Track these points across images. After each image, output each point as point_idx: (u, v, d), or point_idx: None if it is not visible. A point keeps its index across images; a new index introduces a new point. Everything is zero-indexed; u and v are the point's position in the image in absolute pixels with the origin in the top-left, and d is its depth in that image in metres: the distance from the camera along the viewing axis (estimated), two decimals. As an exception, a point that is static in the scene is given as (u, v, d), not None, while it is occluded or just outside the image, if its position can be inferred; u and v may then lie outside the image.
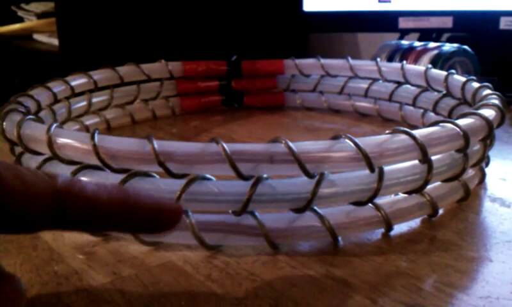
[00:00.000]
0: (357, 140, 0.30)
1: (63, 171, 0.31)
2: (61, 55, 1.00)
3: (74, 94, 0.57)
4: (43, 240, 0.33)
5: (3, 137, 0.39)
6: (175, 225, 0.22)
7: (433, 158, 0.33)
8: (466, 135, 0.33)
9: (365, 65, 0.65)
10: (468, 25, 0.82)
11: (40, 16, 1.36)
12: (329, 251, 0.31)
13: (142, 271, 0.29)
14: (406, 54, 0.70)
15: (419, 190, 0.33)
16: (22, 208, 0.18)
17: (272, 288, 0.27)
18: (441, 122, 0.34)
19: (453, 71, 0.54)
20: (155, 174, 0.31)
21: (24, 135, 0.36)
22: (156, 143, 0.29)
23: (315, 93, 0.69)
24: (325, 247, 0.31)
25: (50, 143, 0.33)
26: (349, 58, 0.65)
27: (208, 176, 0.30)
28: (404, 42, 0.74)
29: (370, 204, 0.32)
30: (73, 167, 0.32)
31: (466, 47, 0.68)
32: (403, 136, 0.31)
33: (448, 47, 0.68)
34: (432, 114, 0.56)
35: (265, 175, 0.30)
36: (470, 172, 0.38)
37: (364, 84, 0.64)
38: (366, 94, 0.64)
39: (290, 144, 0.29)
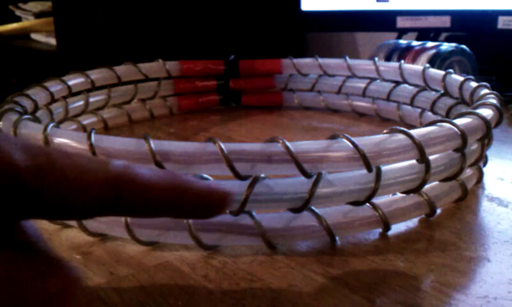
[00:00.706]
0: (354, 140, 0.30)
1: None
2: (58, 54, 1.00)
3: (71, 93, 0.56)
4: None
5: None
6: (224, 210, 0.22)
7: (431, 157, 0.33)
8: (464, 134, 0.33)
9: (362, 65, 0.64)
10: (466, 25, 0.82)
11: (38, 15, 1.36)
12: (326, 250, 0.31)
13: (139, 271, 0.29)
14: (404, 53, 0.70)
15: (417, 189, 0.33)
16: (79, 195, 0.18)
17: (269, 288, 0.27)
18: (439, 122, 0.34)
19: (451, 70, 0.54)
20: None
21: (20, 134, 0.35)
22: (153, 143, 0.29)
23: (313, 92, 0.69)
24: (323, 247, 0.31)
25: (47, 143, 0.33)
26: (347, 57, 0.65)
27: (205, 176, 0.30)
28: (402, 41, 0.74)
29: (367, 204, 0.32)
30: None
31: (464, 46, 0.68)
32: (401, 136, 0.31)
33: (446, 46, 0.68)
34: (430, 113, 0.56)
35: (262, 175, 0.30)
36: (468, 171, 0.38)
37: (362, 84, 0.64)
38: (364, 93, 0.64)
39: (288, 143, 0.29)
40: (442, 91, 0.54)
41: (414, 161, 0.32)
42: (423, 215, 0.35)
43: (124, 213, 0.20)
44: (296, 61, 0.68)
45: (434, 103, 0.55)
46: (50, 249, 0.19)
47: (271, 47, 1.02)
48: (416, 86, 0.59)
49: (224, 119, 0.67)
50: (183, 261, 0.30)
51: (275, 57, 0.70)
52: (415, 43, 0.72)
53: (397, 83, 0.61)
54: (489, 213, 0.36)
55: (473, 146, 0.37)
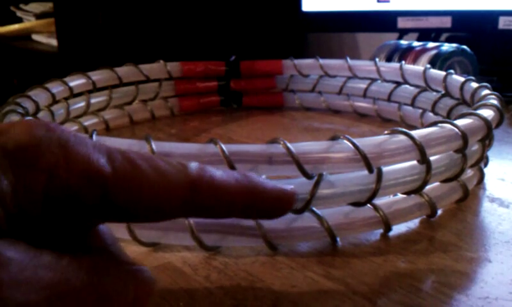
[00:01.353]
0: (355, 140, 0.30)
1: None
2: (59, 55, 1.00)
3: (73, 94, 0.57)
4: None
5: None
6: (289, 211, 0.22)
7: (432, 158, 0.33)
8: (464, 135, 0.33)
9: (363, 65, 0.65)
10: (467, 25, 0.82)
11: (39, 16, 1.36)
12: (328, 251, 0.31)
13: (140, 272, 0.29)
14: (405, 54, 0.70)
15: (418, 190, 0.33)
16: (159, 198, 0.18)
17: (271, 289, 0.27)
18: (440, 122, 0.34)
19: (452, 71, 0.54)
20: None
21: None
22: (154, 144, 0.29)
23: (313, 93, 0.69)
24: (324, 248, 0.31)
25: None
26: (348, 58, 0.65)
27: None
28: (403, 42, 0.74)
29: (368, 205, 0.32)
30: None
31: (465, 46, 0.68)
32: (402, 137, 0.31)
33: (447, 46, 0.68)
34: (431, 114, 0.56)
35: (263, 176, 0.30)
36: (469, 172, 0.38)
37: (363, 84, 0.64)
38: (365, 94, 0.64)
39: (289, 145, 0.29)
40: (443, 92, 0.54)
41: (415, 162, 0.32)
42: (424, 216, 0.35)
43: (197, 215, 0.20)
44: (296, 61, 0.68)
45: (435, 103, 0.55)
46: (124, 253, 0.19)
47: (272, 47, 1.02)
48: (417, 86, 0.59)
49: (225, 120, 0.67)
50: (184, 262, 0.30)
51: (276, 57, 0.70)
52: (415, 43, 0.72)
53: (398, 84, 0.61)
54: (490, 214, 0.36)
55: (474, 146, 0.37)
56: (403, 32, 0.89)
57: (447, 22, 0.82)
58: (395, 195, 0.34)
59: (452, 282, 0.28)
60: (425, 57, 0.67)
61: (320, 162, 0.30)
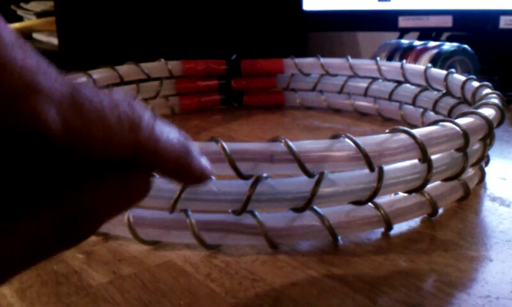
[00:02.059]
0: (357, 139, 0.30)
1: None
2: (60, 54, 1.00)
3: (74, 93, 0.56)
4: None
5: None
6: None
7: (433, 157, 0.33)
8: (466, 134, 0.33)
9: (364, 64, 0.65)
10: (468, 24, 0.82)
11: (40, 15, 1.36)
12: (329, 250, 0.31)
13: (142, 270, 0.29)
14: (406, 53, 0.70)
15: (419, 189, 0.33)
16: (104, 155, 0.18)
17: (271, 288, 0.27)
18: (441, 121, 0.34)
19: (453, 70, 0.54)
20: (154, 174, 0.31)
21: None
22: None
23: (314, 92, 0.69)
24: (325, 247, 0.31)
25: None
26: (349, 57, 0.65)
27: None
28: (404, 41, 0.74)
29: (370, 204, 0.32)
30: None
31: (465, 46, 0.68)
32: (403, 135, 0.31)
33: (448, 46, 0.68)
34: (432, 113, 0.56)
35: (265, 174, 0.30)
36: (470, 171, 0.38)
37: (364, 83, 0.64)
38: (366, 93, 0.64)
39: (290, 143, 0.29)
40: (444, 91, 0.54)
41: (416, 161, 0.32)
42: (425, 215, 0.35)
43: (128, 173, 0.21)
44: (297, 60, 0.68)
45: (436, 102, 0.55)
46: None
47: (273, 46, 1.02)
48: (418, 85, 0.59)
49: (226, 118, 0.67)
50: (186, 261, 0.30)
51: (277, 56, 0.70)
52: (416, 42, 0.72)
53: (399, 83, 0.61)
54: (491, 213, 0.36)
55: (475, 145, 0.37)
56: (404, 32, 0.88)
57: (447, 21, 0.82)
58: (396, 194, 0.34)
59: (453, 281, 0.28)
60: (426, 57, 0.67)
61: (322, 161, 0.30)
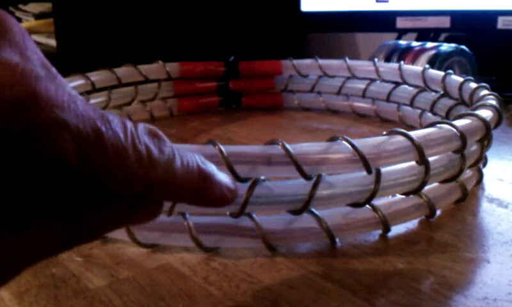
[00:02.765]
0: (354, 141, 0.30)
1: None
2: (58, 56, 1.00)
3: (72, 95, 0.56)
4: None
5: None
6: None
7: (430, 159, 0.33)
8: (463, 136, 0.34)
9: (362, 65, 0.65)
10: (466, 25, 0.82)
11: (38, 17, 1.36)
12: (326, 252, 0.31)
13: (140, 273, 0.29)
14: (404, 54, 0.70)
15: (416, 191, 0.33)
16: (113, 190, 0.18)
17: (269, 290, 0.27)
18: (438, 123, 0.34)
19: (450, 71, 0.54)
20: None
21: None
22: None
23: (312, 93, 0.69)
24: (322, 249, 0.31)
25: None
26: (347, 58, 0.65)
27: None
28: (402, 42, 0.74)
29: (367, 206, 0.32)
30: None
31: (463, 46, 0.68)
32: (400, 137, 0.31)
33: (446, 46, 0.68)
34: (429, 114, 0.56)
35: (262, 177, 0.30)
36: (468, 173, 0.38)
37: (362, 85, 0.64)
38: (364, 94, 0.64)
39: (287, 146, 0.29)
40: (442, 92, 0.54)
41: (413, 162, 0.32)
42: (423, 217, 0.35)
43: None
44: (295, 62, 0.68)
45: (433, 104, 0.55)
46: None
47: (271, 48, 1.02)
48: (416, 86, 0.59)
49: (224, 120, 0.67)
50: (183, 264, 0.30)
51: (275, 58, 0.70)
52: (414, 43, 0.72)
53: (397, 84, 0.61)
54: (489, 214, 0.36)
55: (473, 147, 0.37)
56: (402, 32, 0.89)
57: (445, 21, 0.82)
58: (393, 196, 0.34)
59: (451, 283, 0.28)
60: (424, 57, 0.67)
61: (319, 163, 0.30)
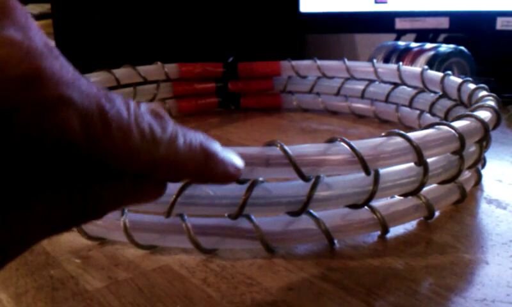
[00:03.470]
0: (352, 143, 0.30)
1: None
2: (57, 57, 0.99)
3: (70, 96, 0.56)
4: (39, 244, 0.33)
5: None
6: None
7: (429, 160, 0.33)
8: (461, 137, 0.34)
9: (361, 66, 0.65)
10: (465, 26, 0.82)
11: (37, 18, 1.36)
12: (325, 254, 0.31)
13: (138, 275, 0.29)
14: (403, 55, 0.70)
15: (415, 192, 0.33)
16: (117, 168, 0.18)
17: (268, 292, 0.27)
18: (437, 124, 0.34)
19: (449, 72, 0.54)
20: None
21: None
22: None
23: (311, 94, 0.69)
24: (321, 250, 0.31)
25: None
26: (346, 59, 0.65)
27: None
28: (401, 43, 0.74)
29: (366, 207, 0.32)
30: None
31: (462, 47, 0.68)
32: (398, 139, 0.31)
33: (444, 47, 0.68)
34: (428, 115, 0.56)
35: (260, 178, 0.30)
36: (466, 174, 0.38)
37: (361, 86, 0.64)
38: (362, 95, 0.64)
39: (286, 147, 0.29)
40: (440, 93, 0.54)
41: (412, 164, 0.32)
42: (421, 218, 0.35)
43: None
44: (294, 63, 0.68)
45: (432, 105, 0.55)
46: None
47: (270, 49, 1.02)
48: (414, 87, 0.59)
49: (223, 121, 0.67)
50: (182, 265, 0.30)
51: (274, 59, 0.70)
52: (413, 44, 0.72)
53: (396, 85, 0.61)
54: (488, 216, 0.36)
55: (472, 148, 0.37)
56: (401, 33, 0.89)
57: (444, 22, 0.82)
58: (392, 197, 0.34)
59: (450, 284, 0.28)
60: (423, 58, 0.67)
61: (318, 165, 0.30)
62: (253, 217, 0.30)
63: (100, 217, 0.20)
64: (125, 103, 0.18)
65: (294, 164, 0.29)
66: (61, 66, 0.16)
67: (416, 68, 0.59)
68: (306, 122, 0.66)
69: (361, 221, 0.32)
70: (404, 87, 0.61)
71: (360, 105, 0.65)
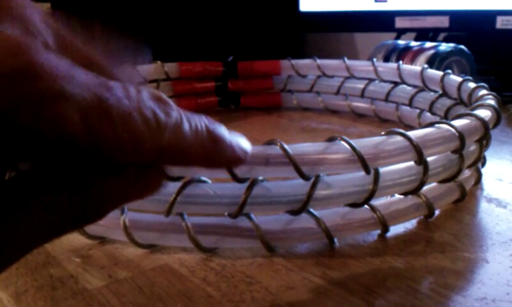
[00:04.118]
0: (352, 142, 0.30)
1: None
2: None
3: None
4: (39, 243, 0.33)
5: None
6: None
7: (429, 159, 0.33)
8: (462, 136, 0.33)
9: (361, 65, 0.65)
10: (465, 25, 0.82)
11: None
12: (325, 253, 0.31)
13: (138, 274, 0.29)
14: (403, 53, 0.70)
15: (415, 191, 0.33)
16: (121, 161, 0.18)
17: (268, 291, 0.27)
18: (437, 123, 0.34)
19: (449, 71, 0.54)
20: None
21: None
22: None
23: (311, 93, 0.69)
24: (321, 249, 0.31)
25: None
26: (345, 58, 0.65)
27: (203, 178, 0.30)
28: (401, 42, 0.74)
29: (366, 206, 0.32)
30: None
31: (462, 46, 0.68)
32: (398, 138, 0.31)
33: (444, 46, 0.68)
34: (428, 114, 0.56)
35: (260, 177, 0.30)
36: (466, 172, 0.38)
37: (360, 85, 0.64)
38: (362, 94, 0.64)
39: (286, 146, 0.29)
40: (440, 92, 0.54)
41: (412, 163, 0.32)
42: (421, 217, 0.35)
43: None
44: (294, 62, 0.68)
45: (432, 103, 0.55)
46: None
47: (270, 48, 1.02)
48: (414, 86, 0.59)
49: (222, 120, 0.66)
50: (182, 264, 0.30)
51: (274, 58, 0.70)
52: (413, 43, 0.72)
53: (396, 84, 0.61)
54: (488, 214, 0.36)
55: (472, 147, 0.37)
56: (401, 32, 0.89)
57: (444, 21, 0.82)
58: (392, 196, 0.34)
59: (450, 283, 0.28)
60: (423, 57, 0.67)
61: (318, 164, 0.30)
62: (253, 216, 0.30)
63: (101, 217, 0.19)
64: (125, 89, 0.17)
65: (294, 163, 0.29)
66: (59, 60, 0.16)
67: (416, 67, 0.59)
68: (306, 121, 0.66)
69: (361, 220, 0.32)
70: (404, 86, 0.61)
71: (359, 104, 0.65)
